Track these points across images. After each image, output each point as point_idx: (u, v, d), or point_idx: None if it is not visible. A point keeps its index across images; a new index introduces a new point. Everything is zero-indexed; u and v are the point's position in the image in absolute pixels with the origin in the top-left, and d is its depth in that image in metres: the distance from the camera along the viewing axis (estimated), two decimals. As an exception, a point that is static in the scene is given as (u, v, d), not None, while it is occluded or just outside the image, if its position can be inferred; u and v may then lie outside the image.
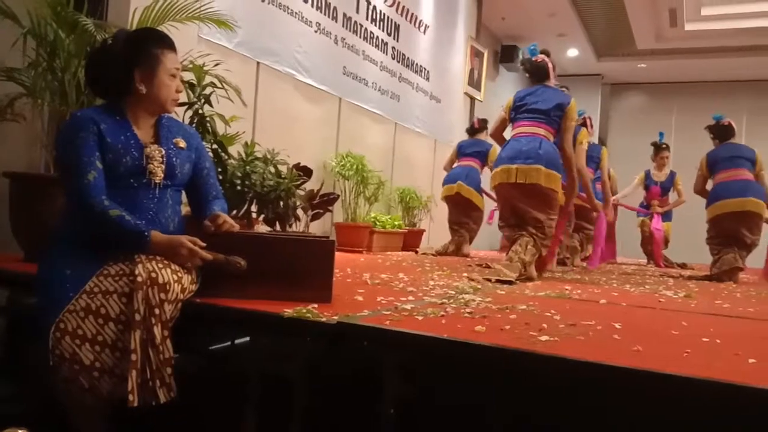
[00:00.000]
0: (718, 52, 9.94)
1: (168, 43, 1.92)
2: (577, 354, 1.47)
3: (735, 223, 4.57)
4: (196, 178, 2.01)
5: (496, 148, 4.39)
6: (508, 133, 3.95)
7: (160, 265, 1.69)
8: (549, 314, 2.09)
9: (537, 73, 3.90)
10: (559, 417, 1.54)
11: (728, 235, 4.62)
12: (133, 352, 1.58)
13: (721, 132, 4.89)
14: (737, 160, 4.68)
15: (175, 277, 1.70)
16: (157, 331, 1.61)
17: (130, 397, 1.55)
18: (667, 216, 6.81)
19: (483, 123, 6.02)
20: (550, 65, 3.88)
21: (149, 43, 1.88)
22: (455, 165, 5.94)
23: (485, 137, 5.83)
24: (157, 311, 1.62)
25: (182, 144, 1.96)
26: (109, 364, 1.61)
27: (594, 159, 5.57)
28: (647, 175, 6.74)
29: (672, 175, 6.68)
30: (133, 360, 1.58)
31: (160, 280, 1.65)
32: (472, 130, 6.11)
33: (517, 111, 3.80)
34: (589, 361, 1.43)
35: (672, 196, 6.77)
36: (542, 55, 3.92)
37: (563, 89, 4.06)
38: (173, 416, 1.77)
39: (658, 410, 1.42)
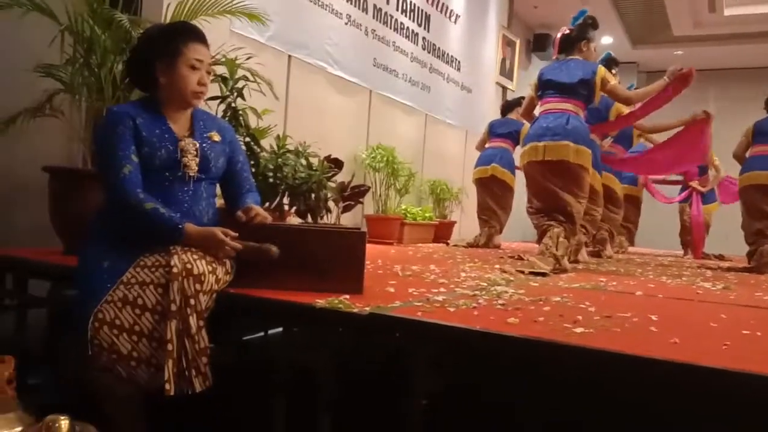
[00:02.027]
0: (758, 37, 9.63)
1: (193, 35, 1.91)
2: (612, 346, 1.45)
3: (763, 196, 4.58)
4: (230, 172, 2.03)
5: (527, 127, 4.35)
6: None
7: (195, 257, 1.72)
8: (583, 306, 2.06)
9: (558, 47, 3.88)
10: (594, 410, 1.52)
11: (759, 210, 4.58)
12: (169, 342, 1.61)
13: (767, 104, 4.82)
14: None
15: (210, 268, 1.73)
16: (192, 321, 1.64)
17: (167, 386, 1.58)
18: (709, 197, 6.57)
19: (512, 102, 5.95)
20: (557, 37, 3.82)
21: (172, 35, 1.89)
22: (487, 146, 5.89)
23: (516, 116, 5.77)
24: (192, 302, 1.65)
25: (216, 138, 1.97)
26: (146, 354, 1.64)
27: (627, 136, 5.42)
28: None
29: None
30: (170, 350, 1.60)
31: (195, 271, 1.68)
32: (504, 109, 6.07)
33: (544, 88, 3.75)
34: (625, 353, 1.40)
35: (711, 174, 6.57)
36: (564, 28, 3.85)
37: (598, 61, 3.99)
38: (205, 406, 1.80)
39: (696, 404, 1.39)
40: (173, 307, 1.63)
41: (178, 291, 1.65)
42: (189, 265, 1.68)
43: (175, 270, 1.66)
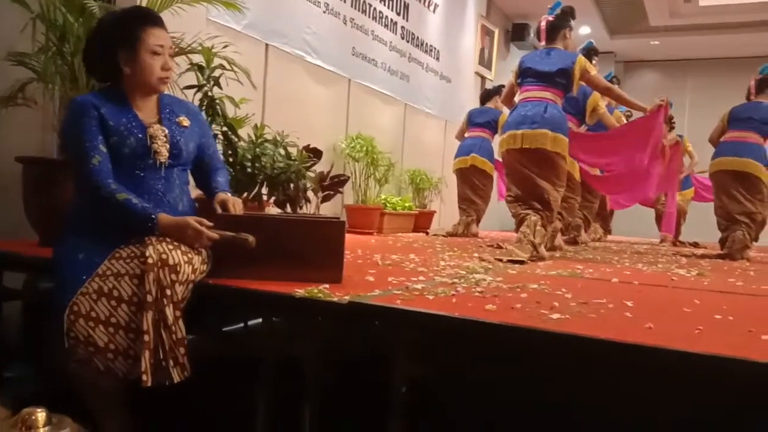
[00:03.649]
0: (734, 27, 9.75)
1: (150, 20, 1.88)
2: (588, 331, 1.47)
3: (732, 182, 4.63)
4: (200, 155, 2.03)
5: (506, 115, 4.36)
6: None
7: (170, 247, 1.70)
8: (560, 293, 2.09)
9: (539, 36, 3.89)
10: (571, 394, 1.55)
11: (728, 196, 4.66)
12: (146, 332, 1.60)
13: (747, 90, 4.88)
14: (750, 122, 4.66)
15: (186, 258, 1.71)
16: (169, 311, 1.63)
17: (144, 378, 1.58)
18: (684, 183, 6.64)
19: (491, 91, 5.98)
20: (543, 25, 3.83)
21: (129, 23, 1.85)
22: (466, 135, 5.92)
23: (495, 105, 5.79)
24: (168, 292, 1.64)
25: (186, 123, 1.95)
26: (124, 346, 1.63)
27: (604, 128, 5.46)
28: None
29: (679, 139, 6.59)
30: (146, 341, 1.59)
31: (171, 262, 1.66)
32: (483, 98, 6.11)
33: (523, 76, 3.77)
34: (600, 338, 1.43)
35: (686, 161, 6.64)
36: (545, 16, 3.87)
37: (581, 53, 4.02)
38: (186, 397, 1.80)
39: (670, 387, 1.42)
40: (149, 298, 1.62)
41: (153, 282, 1.63)
42: (164, 256, 1.67)
43: (150, 260, 1.65)
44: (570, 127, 4.07)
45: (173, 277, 1.66)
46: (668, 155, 4.99)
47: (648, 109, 3.95)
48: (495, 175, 5.91)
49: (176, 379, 1.62)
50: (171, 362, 1.62)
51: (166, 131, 1.88)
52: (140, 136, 1.83)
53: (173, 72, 1.92)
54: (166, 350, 1.61)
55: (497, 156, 5.31)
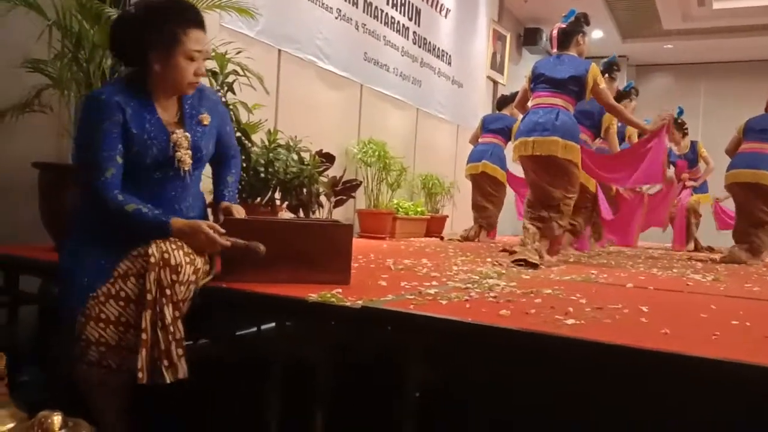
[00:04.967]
0: (747, 30, 9.67)
1: (192, 18, 1.76)
2: (603, 337, 1.46)
3: (747, 194, 4.63)
4: (217, 142, 1.98)
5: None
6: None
7: (173, 246, 1.68)
8: (575, 298, 2.07)
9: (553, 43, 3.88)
10: (586, 400, 1.53)
11: (744, 208, 4.67)
12: (144, 331, 1.60)
13: (766, 103, 4.85)
14: (765, 133, 4.64)
15: (188, 259, 1.69)
16: (167, 311, 1.62)
17: (140, 375, 1.58)
18: (701, 188, 6.64)
19: (507, 97, 5.97)
20: (554, 33, 3.82)
21: (170, 19, 1.72)
22: (479, 140, 5.91)
23: (510, 111, 5.77)
24: (168, 292, 1.63)
25: (206, 121, 1.89)
26: (134, 343, 1.63)
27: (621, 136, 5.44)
28: (668, 152, 6.62)
29: (693, 144, 6.55)
30: (144, 339, 1.59)
31: (172, 262, 1.65)
32: (499, 104, 6.09)
33: (536, 81, 3.76)
34: (616, 344, 1.41)
35: (701, 166, 6.62)
36: (558, 24, 3.86)
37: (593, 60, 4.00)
38: (198, 400, 1.80)
39: (686, 393, 1.40)
40: (149, 297, 1.62)
41: (154, 281, 1.63)
42: (166, 255, 1.65)
43: (152, 260, 1.64)
44: (585, 140, 4.05)
45: (174, 277, 1.65)
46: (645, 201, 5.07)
47: (650, 130, 3.95)
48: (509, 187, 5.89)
49: (168, 379, 1.60)
50: (165, 362, 1.60)
51: (189, 137, 1.82)
52: (163, 145, 1.77)
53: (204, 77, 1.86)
54: (161, 350, 1.60)
55: (510, 163, 5.30)
